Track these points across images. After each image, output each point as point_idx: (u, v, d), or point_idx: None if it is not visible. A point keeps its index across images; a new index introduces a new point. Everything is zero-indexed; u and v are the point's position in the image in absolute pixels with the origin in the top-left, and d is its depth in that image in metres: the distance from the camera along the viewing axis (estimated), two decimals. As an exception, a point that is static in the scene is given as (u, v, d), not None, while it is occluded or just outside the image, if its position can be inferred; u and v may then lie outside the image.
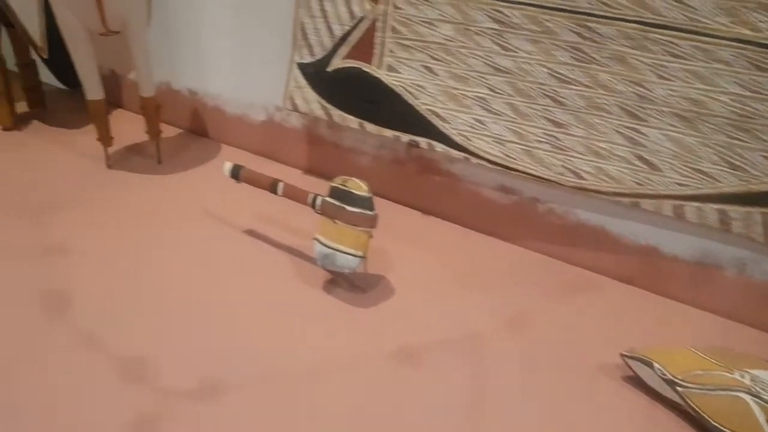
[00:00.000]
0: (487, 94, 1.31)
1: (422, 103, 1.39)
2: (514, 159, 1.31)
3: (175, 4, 1.77)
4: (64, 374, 0.98)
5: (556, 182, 1.28)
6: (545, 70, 1.23)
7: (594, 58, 1.18)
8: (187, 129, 1.94)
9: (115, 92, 2.04)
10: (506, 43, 1.25)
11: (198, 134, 1.92)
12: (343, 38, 1.46)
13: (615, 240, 1.30)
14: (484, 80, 1.30)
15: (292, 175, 1.69)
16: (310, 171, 1.72)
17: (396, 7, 1.38)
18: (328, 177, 1.68)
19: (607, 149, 1.21)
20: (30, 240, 1.34)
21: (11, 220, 1.40)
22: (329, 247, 1.17)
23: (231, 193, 1.45)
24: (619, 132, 1.20)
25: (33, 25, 1.72)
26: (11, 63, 1.90)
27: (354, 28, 1.44)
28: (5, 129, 1.87)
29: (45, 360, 1.01)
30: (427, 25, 1.35)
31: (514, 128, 1.30)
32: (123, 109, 2.07)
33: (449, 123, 1.37)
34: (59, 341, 1.05)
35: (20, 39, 1.87)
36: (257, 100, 1.75)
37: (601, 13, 1.15)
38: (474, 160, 1.35)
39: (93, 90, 1.58)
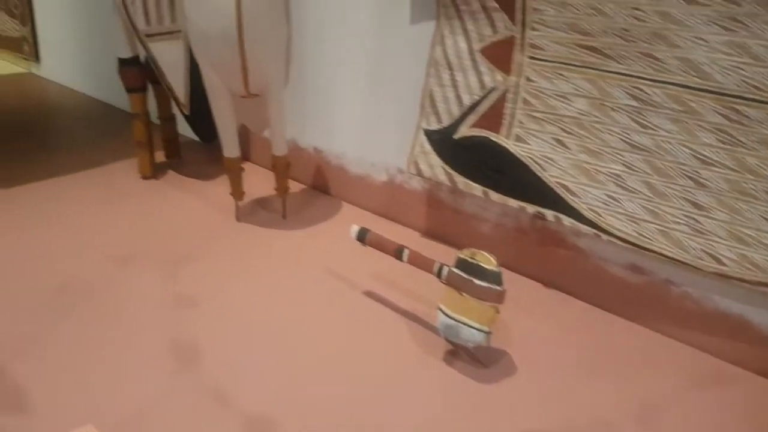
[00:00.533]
0: (623, 171, 1.28)
1: (551, 176, 1.39)
2: (649, 239, 1.27)
3: (309, 68, 1.87)
4: (192, 428, 1.03)
5: (693, 266, 1.23)
6: (687, 150, 1.20)
7: (741, 141, 1.14)
8: (310, 185, 2.02)
9: (245, 145, 2.16)
10: (645, 120, 1.23)
11: (320, 191, 1.99)
12: (472, 107, 1.49)
13: (757, 331, 1.23)
14: (619, 156, 1.28)
15: (410, 237, 1.71)
16: (429, 234, 1.74)
17: (528, 80, 1.39)
18: (448, 241, 1.70)
19: (752, 236, 1.16)
20: (163, 289, 1.42)
21: (147, 268, 1.50)
22: (454, 319, 1.17)
23: (353, 252, 1.49)
24: (767, 219, 1.14)
25: (179, 85, 1.86)
26: (154, 116, 2.06)
27: (484, 98, 1.46)
28: (144, 177, 2.02)
29: (173, 411, 1.06)
30: (560, 98, 1.35)
31: (650, 207, 1.26)
32: (251, 162, 2.18)
33: (579, 197, 1.35)
34: (188, 393, 1.10)
35: (164, 95, 2.02)
36: (379, 161, 1.79)
37: (751, 96, 1.11)
38: (604, 236, 1.32)
39: (230, 148, 1.68)
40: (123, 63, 1.92)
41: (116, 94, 2.61)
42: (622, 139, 1.28)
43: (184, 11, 1.55)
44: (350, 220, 1.80)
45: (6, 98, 2.85)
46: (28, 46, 3.10)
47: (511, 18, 1.39)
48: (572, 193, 1.36)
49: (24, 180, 1.97)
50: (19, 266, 1.49)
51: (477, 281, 1.15)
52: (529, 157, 1.41)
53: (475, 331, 1.14)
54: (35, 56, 3.10)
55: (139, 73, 1.93)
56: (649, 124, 1.23)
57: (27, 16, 3.03)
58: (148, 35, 1.79)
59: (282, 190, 1.77)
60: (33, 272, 1.46)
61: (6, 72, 3.20)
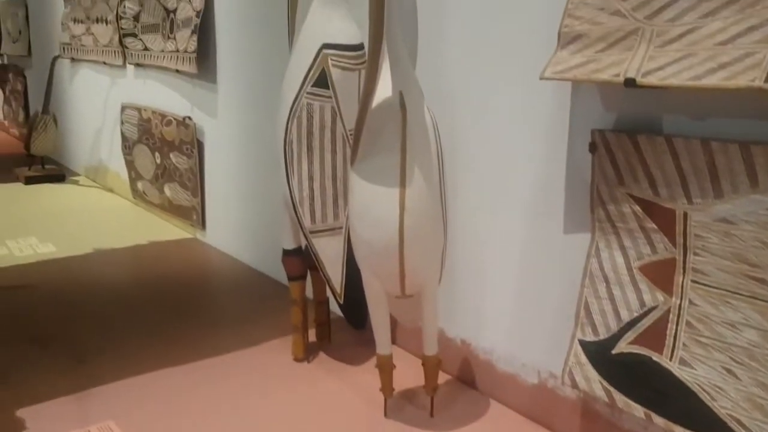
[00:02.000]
0: (804, 416, 1.22)
1: (721, 406, 1.34)
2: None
3: (460, 259, 1.96)
4: None
5: None
6: None
7: None
8: (455, 377, 2.05)
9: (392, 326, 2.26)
10: (828, 364, 1.19)
11: (466, 384, 2.02)
12: (631, 324, 1.49)
13: None
14: (799, 398, 1.23)
15: (563, 448, 1.68)
16: (582, 445, 1.70)
17: (692, 303, 1.39)
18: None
19: None
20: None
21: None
22: None
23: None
24: None
25: (336, 277, 2.02)
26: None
27: (644, 315, 1.47)
28: (297, 360, 2.15)
29: None
30: (728, 326, 1.33)
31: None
32: (396, 345, 2.27)
33: (754, 434, 1.29)
34: None
35: (320, 280, 2.18)
36: (530, 362, 1.81)
37: None
38: (785, 482, 1.24)
39: (383, 345, 1.77)
40: (287, 253, 2.11)
41: (271, 266, 2.83)
42: (801, 379, 1.23)
43: (348, 218, 1.72)
44: (499, 421, 1.80)
45: (172, 263, 3.18)
46: (196, 215, 3.48)
47: (672, 241, 1.42)
48: (746, 429, 1.30)
49: (177, 360, 2.16)
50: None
51: None
52: (696, 384, 1.38)
53: None
54: (202, 224, 3.47)
55: (302, 263, 2.12)
56: (832, 367, 1.19)
57: (198, 189, 3.42)
58: (312, 232, 1.97)
59: (430, 388, 1.82)
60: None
61: (175, 237, 3.58)
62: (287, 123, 1.92)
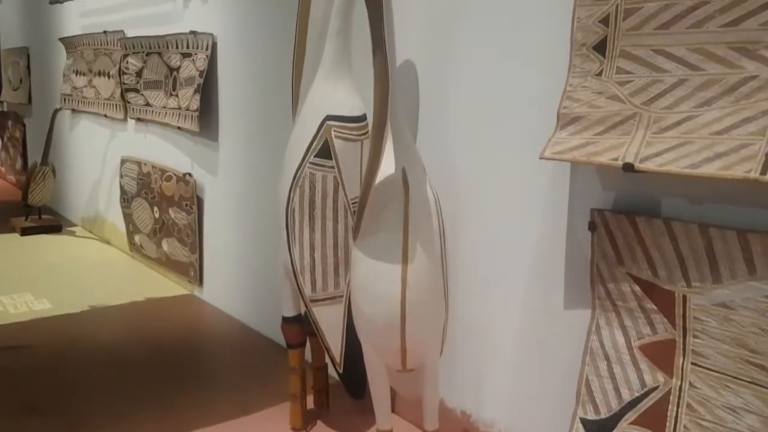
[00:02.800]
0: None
1: (723, 492, 1.35)
2: None
3: (461, 330, 1.98)
4: None
5: None
6: None
7: None
8: (456, 448, 2.05)
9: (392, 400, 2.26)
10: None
11: (466, 456, 2.02)
12: (632, 404, 1.51)
13: None
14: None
15: None
16: None
17: (692, 386, 1.41)
18: None
19: None
20: None
21: None
22: None
23: None
24: None
25: (335, 345, 2.03)
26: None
27: (644, 396, 1.49)
28: (294, 430, 2.15)
29: None
30: (729, 411, 1.35)
31: None
32: (395, 413, 2.26)
33: None
34: None
35: (319, 347, 2.20)
36: (532, 436, 1.82)
37: None
38: None
39: (383, 420, 1.78)
40: (286, 320, 2.13)
41: (269, 327, 2.84)
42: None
43: (350, 290, 1.74)
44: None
45: (168, 322, 3.19)
46: (194, 271, 3.50)
47: (672, 322, 1.45)
48: None
49: (171, 428, 2.16)
50: None
51: None
52: (698, 468, 1.39)
53: None
54: (199, 281, 3.48)
55: (301, 330, 2.13)
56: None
57: (196, 246, 3.45)
58: (313, 300, 1.99)
59: (431, 462, 1.82)
60: None
61: (172, 293, 3.59)
62: (290, 192, 1.96)
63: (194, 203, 3.44)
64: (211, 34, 3.17)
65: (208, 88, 3.22)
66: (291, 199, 1.97)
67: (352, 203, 1.97)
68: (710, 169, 1.29)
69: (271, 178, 2.68)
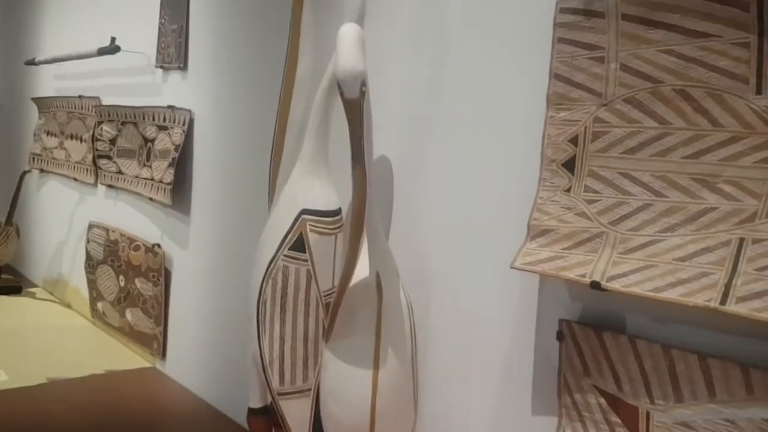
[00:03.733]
0: None
1: None
2: None
3: (428, 428, 2.00)
4: None
5: None
6: None
7: None
8: None
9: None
10: None
11: None
12: None
13: None
14: None
15: None
16: None
17: (656, 503, 1.44)
18: None
19: None
20: None
21: None
22: None
23: None
24: None
25: (302, 440, 2.02)
26: None
27: None
28: None
29: None
30: None
31: None
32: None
33: None
34: None
35: (285, 438, 2.18)
36: None
37: None
38: None
39: None
40: (253, 412, 2.12)
41: (231, 406, 2.82)
42: None
43: (319, 391, 1.76)
44: None
45: (128, 398, 3.13)
46: (157, 344, 3.46)
47: (635, 437, 1.49)
48: None
49: None
50: None
51: None
52: None
53: None
54: (162, 354, 3.44)
55: (267, 423, 2.12)
56: None
57: (161, 318, 3.42)
58: (280, 393, 1.99)
59: None
60: None
61: (134, 366, 3.54)
62: (262, 283, 1.98)
63: (162, 275, 3.42)
64: (189, 110, 3.22)
65: (182, 162, 3.25)
66: (263, 291, 1.99)
67: (324, 296, 1.99)
68: (673, 295, 1.35)
69: (241, 259, 2.71)
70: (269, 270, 1.97)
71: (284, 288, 1.97)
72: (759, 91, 1.32)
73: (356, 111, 1.51)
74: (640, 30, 1.47)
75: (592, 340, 1.56)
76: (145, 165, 3.56)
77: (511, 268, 1.61)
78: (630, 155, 1.50)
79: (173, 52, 3.36)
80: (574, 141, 1.59)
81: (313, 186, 1.99)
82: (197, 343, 3.21)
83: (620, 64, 1.51)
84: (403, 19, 2.12)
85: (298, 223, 1.96)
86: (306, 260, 1.97)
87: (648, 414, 1.47)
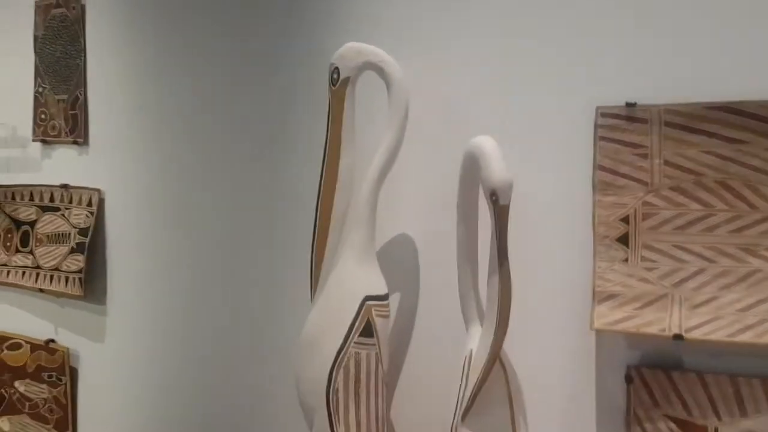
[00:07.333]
0: None
1: None
2: None
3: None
4: None
5: None
6: None
7: None
8: None
9: None
10: None
11: None
12: None
13: None
14: None
15: None
16: None
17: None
18: None
19: None
20: None
21: None
22: None
23: None
24: None
25: None
26: None
27: None
28: None
29: None
30: None
31: None
32: None
33: None
34: None
35: None
36: None
37: None
38: None
39: None
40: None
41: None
42: None
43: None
44: None
45: None
46: (61, 453, 3.13)
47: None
48: None
49: None
50: None
51: None
52: None
53: None
54: (71, 464, 3.13)
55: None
56: None
57: (68, 423, 3.10)
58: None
59: None
60: None
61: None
62: (332, 373, 2.09)
63: (65, 374, 3.11)
64: (98, 190, 3.01)
65: (92, 248, 3.02)
66: (334, 380, 2.09)
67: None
68: (746, 338, 1.84)
69: (170, 348, 2.69)
70: (339, 359, 2.09)
71: (357, 374, 2.10)
72: (786, 184, 1.87)
73: (507, 216, 1.76)
74: (683, 135, 1.95)
75: (661, 378, 1.99)
76: (19, 251, 3.20)
77: (592, 329, 1.97)
78: (680, 231, 1.97)
79: (61, 124, 3.10)
80: (625, 220, 2.02)
81: (370, 273, 2.16)
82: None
83: (664, 159, 1.98)
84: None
85: (363, 310, 2.11)
86: (374, 344, 2.13)
87: (716, 429, 1.94)
